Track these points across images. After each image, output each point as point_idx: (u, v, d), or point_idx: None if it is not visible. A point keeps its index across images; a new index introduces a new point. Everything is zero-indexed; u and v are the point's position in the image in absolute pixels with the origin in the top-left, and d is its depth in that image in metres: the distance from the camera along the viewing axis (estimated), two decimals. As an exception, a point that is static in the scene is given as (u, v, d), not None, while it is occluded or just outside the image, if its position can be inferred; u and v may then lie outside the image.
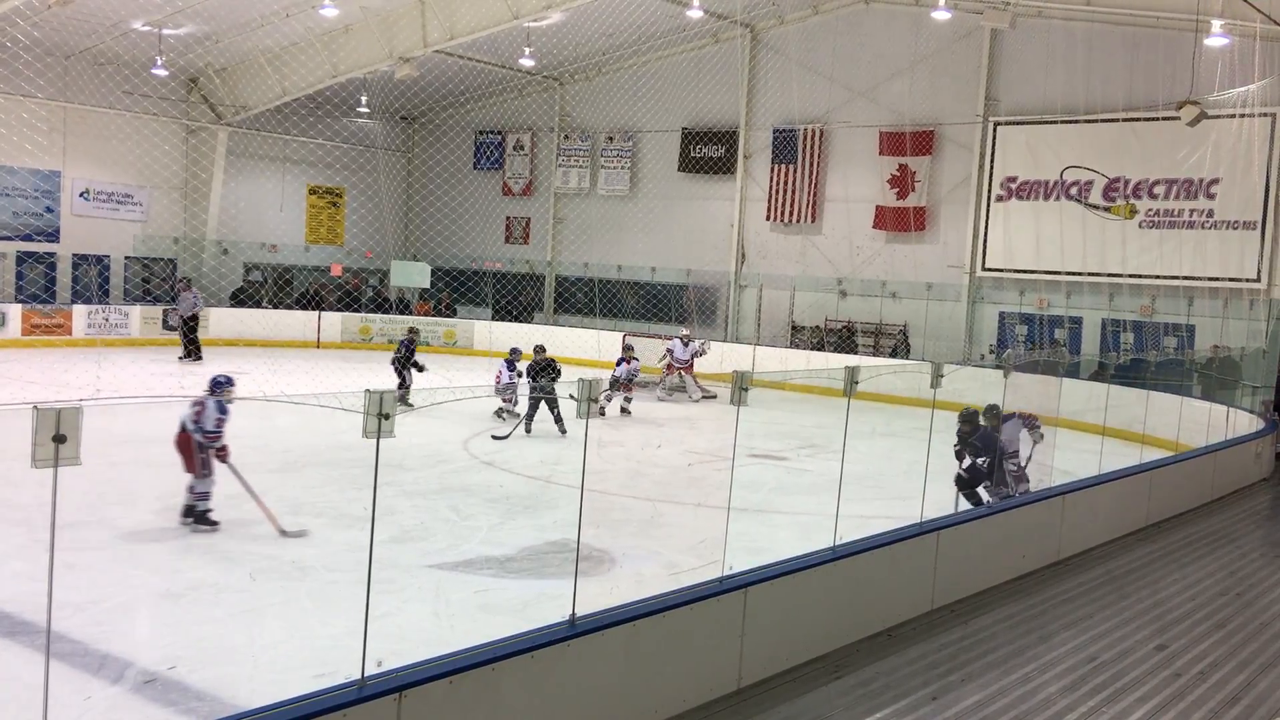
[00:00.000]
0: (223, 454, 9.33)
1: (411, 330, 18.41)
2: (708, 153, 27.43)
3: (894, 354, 24.03)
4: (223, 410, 9.21)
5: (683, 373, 20.60)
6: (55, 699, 3.96)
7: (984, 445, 10.51)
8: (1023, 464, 10.59)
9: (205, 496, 9.26)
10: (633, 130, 28.65)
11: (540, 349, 17.39)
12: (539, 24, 23.07)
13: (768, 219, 26.48)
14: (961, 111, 23.69)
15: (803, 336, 25.55)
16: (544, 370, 16.52)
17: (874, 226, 24.91)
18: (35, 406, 3.31)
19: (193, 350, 22.56)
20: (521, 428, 15.06)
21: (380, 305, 29.44)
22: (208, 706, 5.68)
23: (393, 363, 17.74)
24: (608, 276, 29.06)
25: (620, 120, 28.64)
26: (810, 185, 25.66)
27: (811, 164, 25.63)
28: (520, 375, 16.49)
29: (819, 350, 24.33)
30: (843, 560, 7.20)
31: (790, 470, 13.81)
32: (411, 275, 28.73)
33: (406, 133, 32.49)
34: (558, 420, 15.01)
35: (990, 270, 23.61)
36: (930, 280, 24.12)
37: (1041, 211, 22.83)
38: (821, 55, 25.33)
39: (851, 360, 20.03)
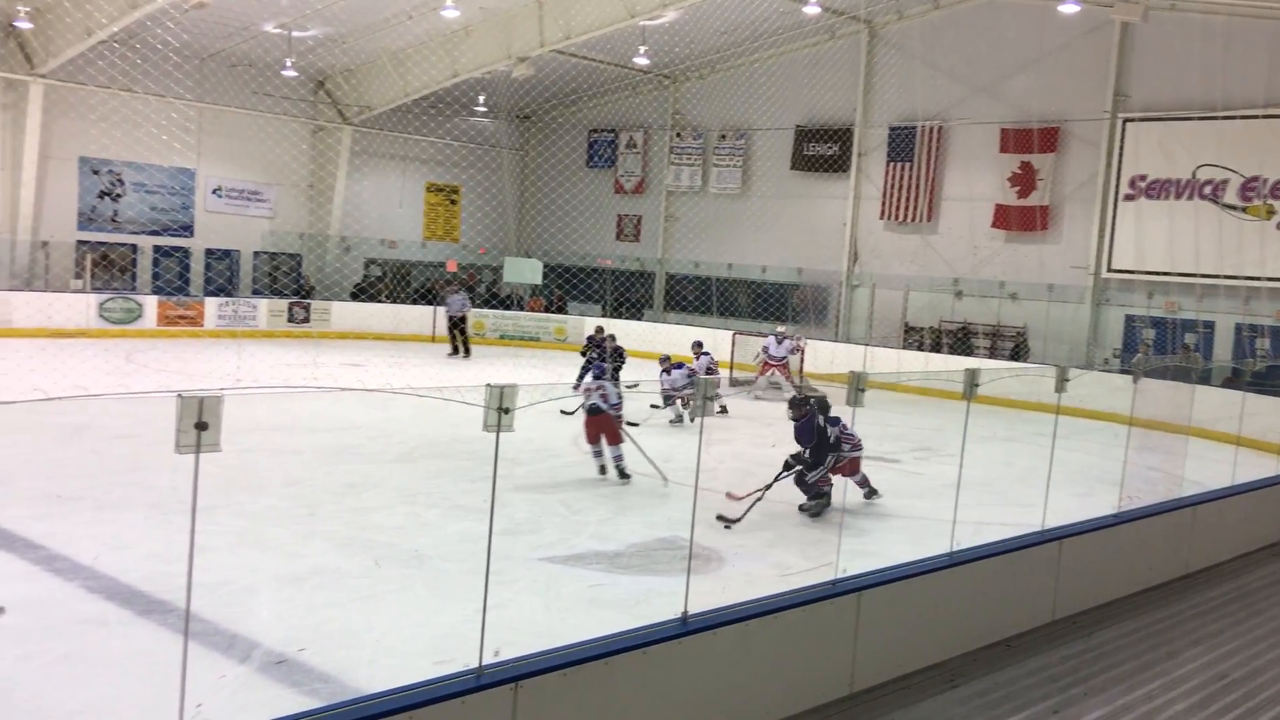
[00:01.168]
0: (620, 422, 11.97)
1: (608, 336, 18.40)
2: (821, 151, 27.14)
3: (1013, 357, 23.40)
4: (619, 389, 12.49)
5: (778, 370, 20.38)
6: (189, 676, 4.13)
7: (803, 433, 10.44)
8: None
9: (622, 457, 11.84)
10: (745, 128, 28.52)
11: (599, 329, 18.11)
12: (654, 22, 23.14)
13: (882, 218, 26.08)
14: (1088, 108, 22.94)
15: (916, 338, 25.09)
16: (616, 354, 17.50)
17: (993, 225, 24.32)
18: (180, 395, 3.45)
19: (462, 348, 23.78)
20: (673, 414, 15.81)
21: (493, 301, 29.92)
22: (330, 688, 5.85)
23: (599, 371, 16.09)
24: (718, 275, 29.00)
25: (733, 118, 28.55)
26: (927, 183, 25.19)
27: (929, 162, 25.15)
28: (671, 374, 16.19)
29: (933, 352, 23.86)
30: (960, 567, 7.05)
31: (902, 473, 13.57)
32: (524, 272, 29.12)
33: (522, 131, 32.94)
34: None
35: (1116, 271, 22.81)
36: (1052, 281, 23.43)
37: (1173, 211, 21.96)
38: (942, 51, 24.83)
39: (969, 363, 19.60)
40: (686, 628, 5.42)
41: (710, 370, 17.85)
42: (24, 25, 21.77)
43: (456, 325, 24.23)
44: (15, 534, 8.35)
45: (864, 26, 25.95)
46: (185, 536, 6.29)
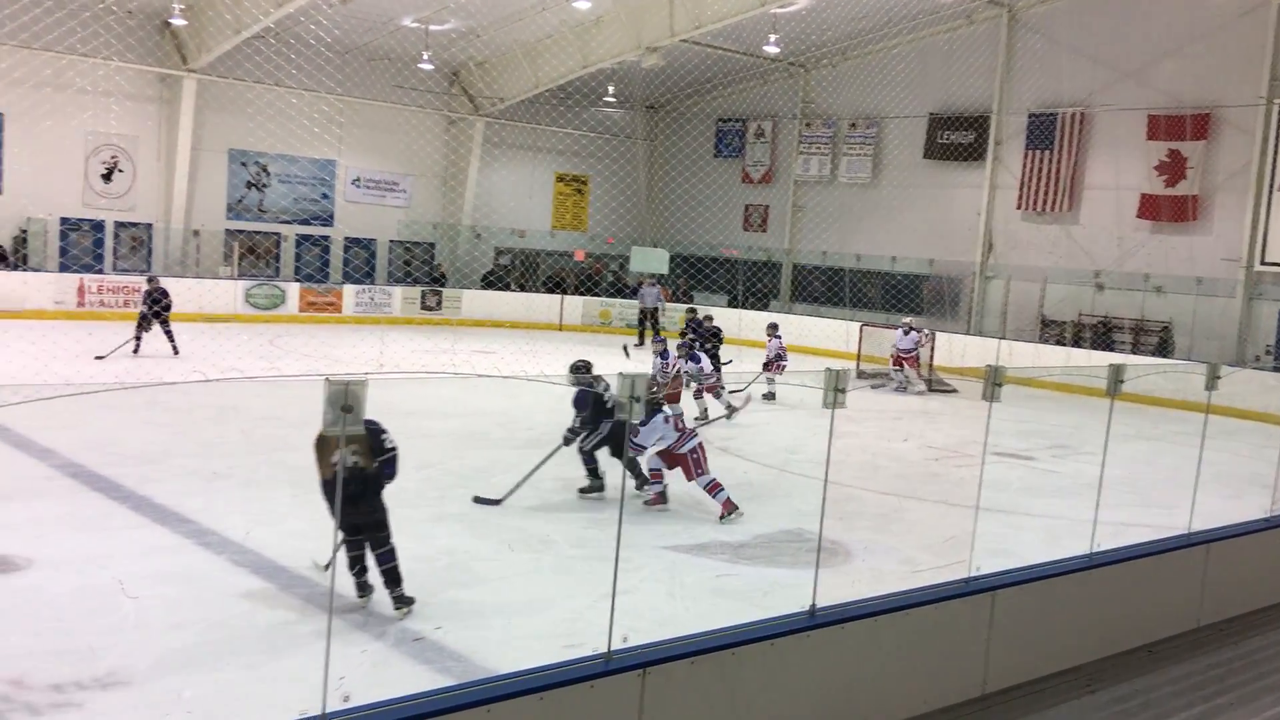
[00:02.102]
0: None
1: (705, 316, 18.63)
2: (956, 139, 26.47)
3: (1158, 353, 22.44)
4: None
5: (905, 363, 19.98)
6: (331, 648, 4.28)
7: (579, 403, 9.85)
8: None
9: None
10: (877, 116, 28.02)
11: (692, 311, 18.57)
12: (785, 10, 22.93)
13: (1019, 208, 25.31)
14: (1242, 93, 21.79)
15: (1055, 331, 24.28)
16: (713, 335, 17.47)
17: (1138, 216, 23.35)
18: (327, 379, 3.58)
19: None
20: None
21: (619, 290, 30.14)
22: (461, 667, 6.00)
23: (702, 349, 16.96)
24: (846, 265, 28.60)
25: (864, 106, 28.08)
26: (1068, 172, 24.33)
27: (1070, 149, 24.28)
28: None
29: (1073, 346, 23.08)
30: (1100, 569, 6.82)
31: (1037, 471, 13.19)
32: (650, 261, 29.24)
33: (650, 121, 33.04)
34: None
35: (1270, 264, 21.65)
36: (1201, 274, 22.38)
37: (1335, 201, 20.74)
38: (1085, 35, 23.91)
39: (1111, 358, 18.90)
40: (814, 621, 5.38)
41: (780, 356, 17.46)
42: (178, 22, 22.82)
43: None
44: (169, 509, 8.80)
45: (1003, 10, 25.19)
46: (325, 515, 6.55)
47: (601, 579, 6.94)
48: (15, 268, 22.32)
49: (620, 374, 4.60)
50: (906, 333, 20.07)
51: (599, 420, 9.93)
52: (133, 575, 7.13)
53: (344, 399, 3.64)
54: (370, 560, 6.79)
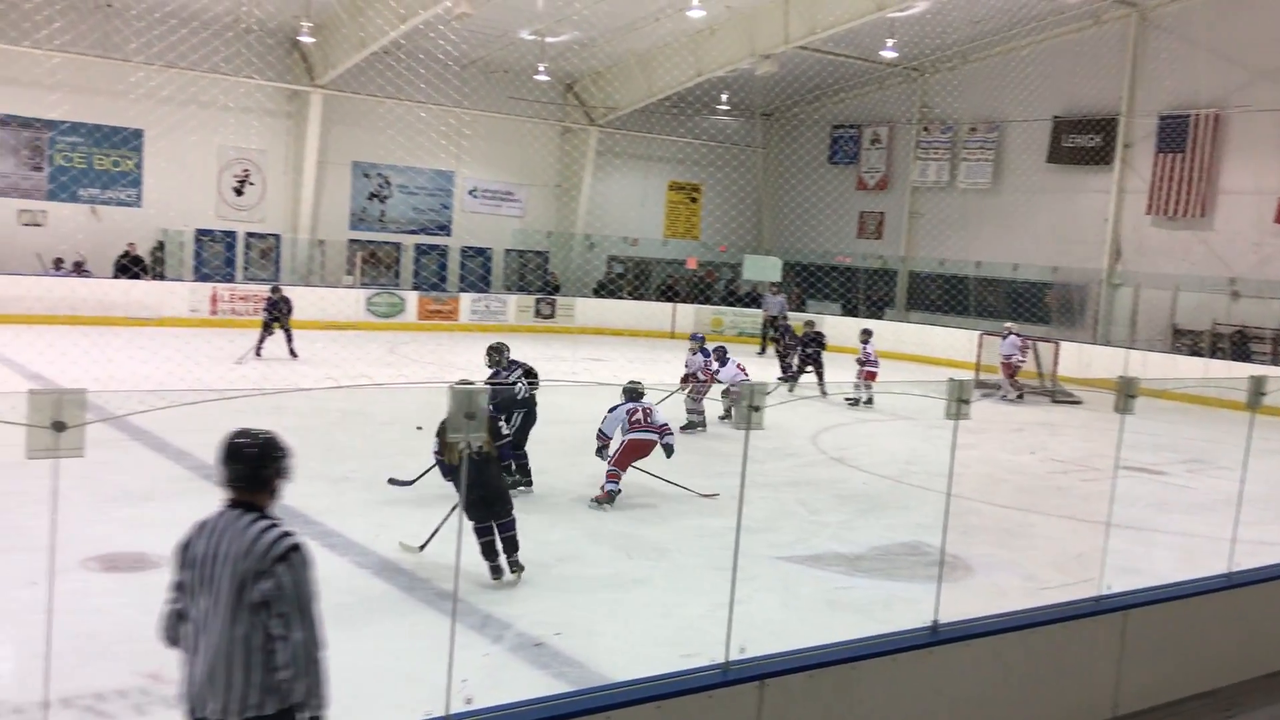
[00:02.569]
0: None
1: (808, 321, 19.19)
2: (1081, 142, 25.68)
3: (1299, 364, 21.35)
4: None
5: (1003, 369, 19.42)
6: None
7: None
8: None
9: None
10: (998, 120, 27.36)
11: (810, 324, 18.91)
12: (903, 14, 22.58)
13: (1148, 212, 24.41)
14: (1394, 89, 20.64)
15: (1188, 341, 23.30)
16: (814, 341, 18.00)
17: (1276, 220, 22.28)
18: (450, 386, 3.65)
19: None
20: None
21: (732, 299, 30.05)
22: (577, 673, 6.03)
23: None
24: (965, 273, 27.97)
25: (985, 110, 27.45)
26: (1202, 175, 23.36)
27: (1204, 152, 23.31)
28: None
29: (1207, 357, 22.10)
30: (1240, 589, 6.50)
31: (1169, 486, 12.67)
32: (764, 269, 29.08)
33: (763, 128, 32.89)
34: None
35: None
36: (1346, 282, 21.24)
37: None
38: (1219, 34, 22.94)
39: (1250, 369, 18.09)
40: (936, 637, 5.26)
41: (865, 361, 17.94)
42: (307, 40, 23.63)
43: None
44: (296, 510, 9.05)
45: (1132, 10, 24.34)
46: (452, 518, 6.67)
47: (716, 588, 6.89)
48: (155, 278, 23.41)
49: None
50: (1005, 337, 19.67)
51: (511, 412, 10.05)
52: (262, 574, 7.36)
53: (467, 405, 3.70)
54: (498, 546, 7.56)
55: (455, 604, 6.08)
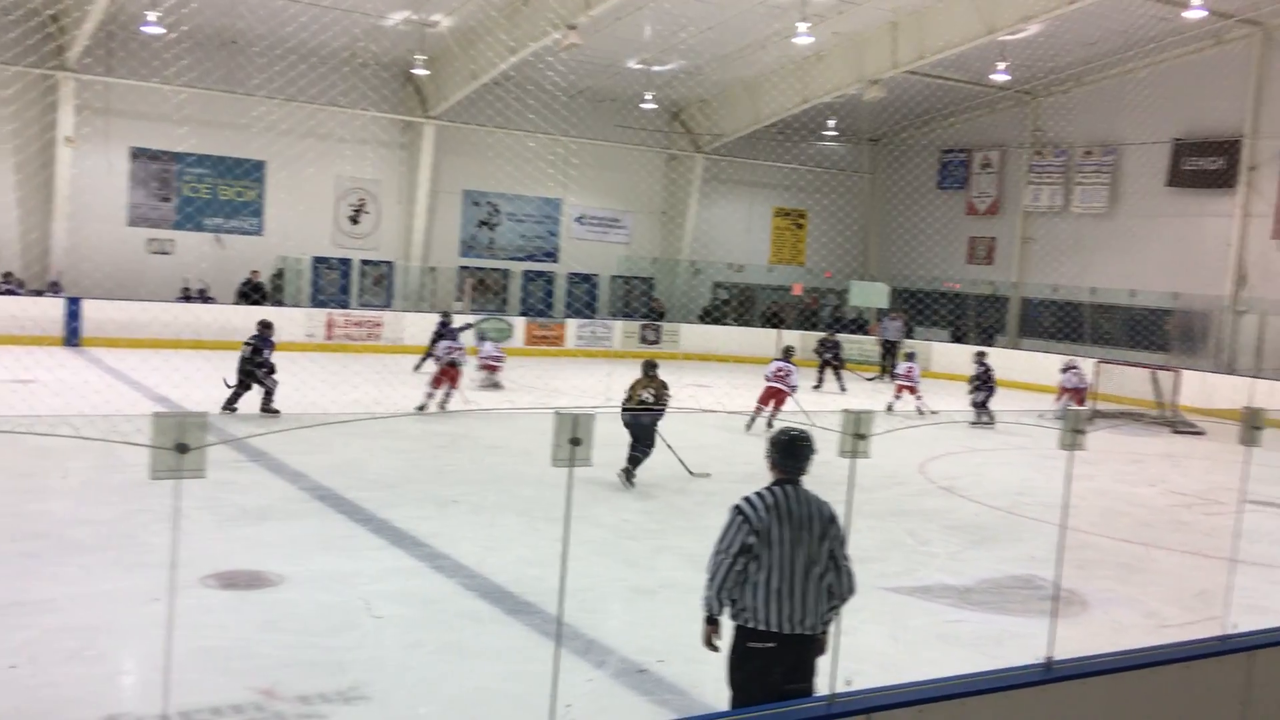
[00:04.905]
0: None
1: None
2: (1203, 165, 24.83)
3: None
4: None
5: (1070, 398, 18.65)
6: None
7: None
8: None
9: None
10: (1114, 143, 26.62)
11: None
12: (1015, 37, 22.20)
13: (1274, 237, 23.46)
14: None
15: (1317, 371, 22.26)
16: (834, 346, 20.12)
17: None
18: (557, 412, 3.69)
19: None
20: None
21: (838, 325, 29.75)
22: (681, 701, 6.01)
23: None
24: (1079, 300, 27.21)
25: (1100, 133, 26.75)
26: (1333, 198, 22.36)
27: (1335, 173, 22.33)
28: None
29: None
30: (1378, 633, 6.15)
31: (1302, 523, 12.07)
32: (870, 295, 28.74)
33: (870, 154, 32.60)
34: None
35: None
36: None
37: None
38: (1353, 48, 22.01)
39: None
40: (1051, 674, 5.09)
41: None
42: (420, 73, 24.30)
43: (890, 350, 25.27)
44: (405, 532, 9.27)
45: (1257, 29, 23.49)
46: (550, 543, 6.73)
47: (821, 619, 6.81)
48: (274, 304, 24.24)
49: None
50: (1065, 370, 19.08)
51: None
52: (373, 594, 7.54)
53: (572, 431, 3.74)
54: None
55: (559, 628, 6.12)
